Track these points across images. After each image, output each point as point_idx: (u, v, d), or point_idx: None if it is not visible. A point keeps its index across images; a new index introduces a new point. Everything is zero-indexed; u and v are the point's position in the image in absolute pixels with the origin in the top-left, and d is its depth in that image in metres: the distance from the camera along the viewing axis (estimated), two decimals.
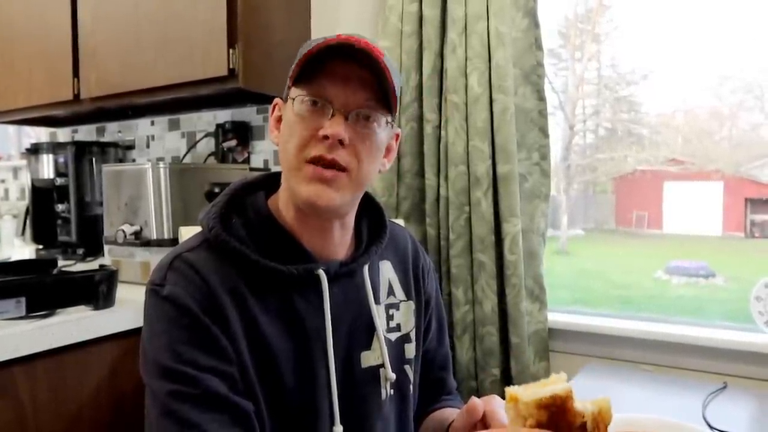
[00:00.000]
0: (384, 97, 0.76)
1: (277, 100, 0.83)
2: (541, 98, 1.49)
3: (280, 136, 0.80)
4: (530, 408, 0.51)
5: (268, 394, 0.75)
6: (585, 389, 1.21)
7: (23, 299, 1.17)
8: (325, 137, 0.72)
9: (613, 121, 2.26)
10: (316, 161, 0.73)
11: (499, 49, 1.43)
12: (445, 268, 1.54)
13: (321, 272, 0.79)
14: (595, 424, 0.52)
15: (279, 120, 0.82)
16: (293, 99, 0.76)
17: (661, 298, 2.47)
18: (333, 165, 0.74)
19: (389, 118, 0.79)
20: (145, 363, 0.75)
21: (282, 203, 0.82)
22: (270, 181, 0.86)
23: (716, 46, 1.77)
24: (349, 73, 0.74)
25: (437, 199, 1.55)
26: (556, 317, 1.52)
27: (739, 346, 1.31)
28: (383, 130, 0.78)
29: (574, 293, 2.20)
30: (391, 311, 0.90)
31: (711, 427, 0.97)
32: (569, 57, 2.16)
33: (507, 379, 1.50)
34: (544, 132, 1.50)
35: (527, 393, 0.51)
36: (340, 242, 0.84)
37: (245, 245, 0.77)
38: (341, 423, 0.80)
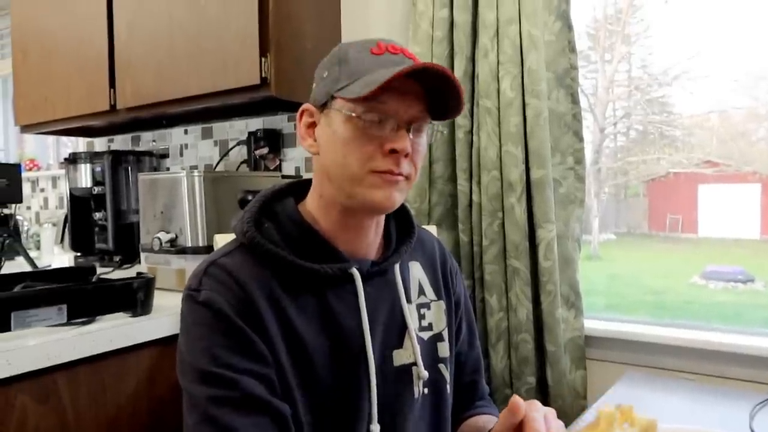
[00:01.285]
0: (431, 108, 0.80)
1: (306, 106, 0.83)
2: (575, 101, 1.47)
3: (324, 148, 0.80)
4: None
5: (306, 395, 0.76)
6: (625, 399, 1.19)
7: (65, 306, 1.19)
8: (393, 151, 0.75)
9: (645, 123, 2.22)
10: (384, 172, 0.76)
11: (531, 52, 1.42)
12: (478, 275, 1.52)
13: (354, 270, 0.82)
14: None
15: (310, 126, 0.83)
16: (349, 113, 0.76)
17: (697, 304, 2.41)
18: (399, 175, 0.77)
19: (430, 123, 0.82)
20: (183, 368, 0.76)
21: (316, 208, 0.84)
22: (298, 188, 0.89)
23: (750, 45, 1.72)
24: (405, 87, 0.76)
25: (470, 205, 1.54)
26: (592, 324, 1.49)
27: None
28: (426, 135, 0.82)
29: (606, 299, 2.16)
30: (422, 311, 0.92)
31: None
32: (599, 59, 2.13)
33: (543, 387, 1.47)
34: (578, 136, 1.47)
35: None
36: (373, 242, 0.87)
37: (279, 247, 0.79)
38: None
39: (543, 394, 1.47)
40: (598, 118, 2.15)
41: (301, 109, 0.84)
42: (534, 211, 1.44)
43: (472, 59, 1.53)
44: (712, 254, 2.64)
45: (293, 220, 0.83)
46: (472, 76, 1.54)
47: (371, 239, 0.86)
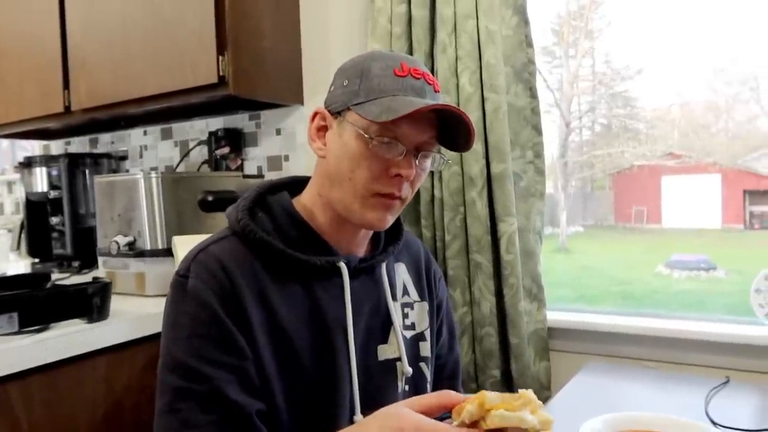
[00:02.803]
0: (440, 135, 0.82)
1: (320, 109, 0.85)
2: (534, 96, 1.48)
3: (333, 155, 0.82)
4: (493, 419, 0.56)
5: (288, 384, 0.78)
6: (587, 388, 1.20)
7: (15, 314, 1.15)
8: (398, 175, 0.79)
9: (609, 116, 2.25)
10: (385, 195, 0.80)
11: (489, 47, 1.42)
12: (442, 270, 1.52)
13: (342, 264, 0.84)
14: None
15: (320, 129, 0.85)
16: (362, 132, 0.78)
17: (662, 293, 2.46)
18: (398, 198, 0.81)
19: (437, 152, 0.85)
20: (161, 351, 0.78)
21: (313, 204, 0.87)
22: (294, 184, 0.92)
23: (710, 38, 1.76)
24: (420, 114, 0.77)
25: (432, 201, 1.54)
26: (555, 316, 1.51)
27: (741, 339, 1.30)
28: (431, 161, 0.85)
29: (575, 291, 2.19)
30: (406, 310, 0.95)
31: (714, 423, 0.96)
32: (563, 54, 2.16)
33: (508, 380, 1.48)
34: (537, 130, 1.48)
35: (500, 411, 0.56)
36: (363, 241, 0.91)
37: (271, 236, 0.82)
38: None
39: (508, 386, 1.48)
40: (564, 112, 2.17)
41: (314, 110, 0.86)
42: (495, 205, 1.44)
43: (431, 55, 1.53)
44: (676, 244, 2.70)
45: (287, 213, 0.85)
46: (431, 72, 1.53)
47: (361, 240, 0.90)
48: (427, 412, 0.63)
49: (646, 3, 1.79)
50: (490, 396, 0.58)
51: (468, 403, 0.59)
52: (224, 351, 0.74)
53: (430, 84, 0.82)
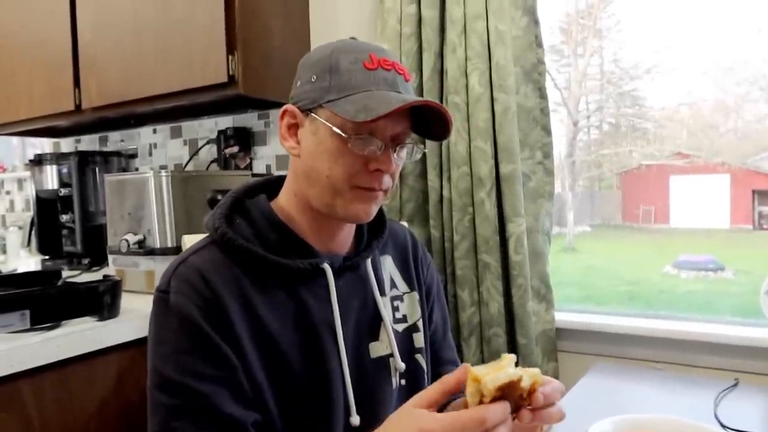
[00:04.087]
0: (414, 124, 0.81)
1: (289, 107, 0.82)
2: (543, 96, 1.48)
3: (307, 154, 0.80)
4: (489, 388, 0.59)
5: (279, 391, 0.77)
6: (595, 389, 1.20)
7: (27, 312, 1.16)
8: (377, 170, 0.78)
9: (617, 116, 2.24)
10: (366, 189, 0.79)
11: (499, 48, 1.42)
12: (450, 270, 1.53)
13: (326, 265, 0.82)
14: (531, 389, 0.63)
15: (291, 127, 0.82)
16: (337, 131, 0.76)
17: (669, 293, 2.45)
18: (380, 190, 0.80)
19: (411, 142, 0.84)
20: (149, 369, 0.77)
21: (290, 206, 0.84)
22: (269, 186, 0.89)
23: (720, 37, 1.75)
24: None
25: (440, 201, 1.54)
26: (563, 317, 1.51)
27: (750, 342, 1.29)
28: (407, 150, 0.84)
29: (582, 290, 2.18)
30: (396, 303, 0.93)
31: (723, 426, 0.96)
32: (571, 53, 2.15)
33: None
34: (546, 130, 1.48)
35: (489, 376, 0.60)
36: (346, 239, 0.88)
37: (251, 243, 0.79)
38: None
39: None
40: (572, 111, 2.16)
41: (282, 108, 0.83)
42: (504, 205, 1.44)
43: (441, 55, 1.53)
44: (684, 244, 2.69)
45: (266, 216, 0.83)
46: (441, 72, 1.54)
47: (344, 238, 0.88)
48: (437, 405, 0.64)
49: (654, 2, 1.78)
50: (476, 369, 0.61)
51: (466, 391, 0.62)
52: (212, 365, 0.73)
53: (400, 73, 0.80)
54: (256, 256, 0.78)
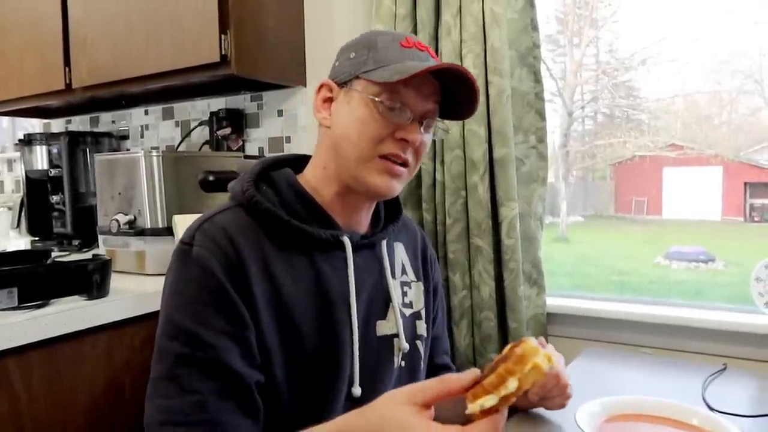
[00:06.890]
0: (442, 106, 0.86)
1: (326, 80, 0.87)
2: (538, 80, 1.47)
3: (339, 123, 0.84)
4: (484, 405, 0.59)
5: (289, 355, 0.79)
6: (585, 373, 1.21)
7: (15, 290, 1.15)
8: (403, 140, 0.81)
9: (612, 106, 2.24)
10: (390, 157, 0.82)
11: (494, 30, 1.41)
12: (442, 253, 1.53)
13: (346, 239, 0.86)
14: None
15: (326, 101, 0.87)
16: (371, 97, 0.81)
17: (661, 284, 2.46)
18: (403, 163, 0.83)
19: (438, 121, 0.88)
20: (161, 320, 0.78)
21: (318, 179, 0.88)
22: (296, 161, 0.93)
23: (715, 29, 1.75)
24: (426, 83, 0.82)
25: (433, 184, 1.53)
26: (554, 301, 1.51)
27: (739, 327, 1.30)
28: (432, 133, 0.89)
29: (573, 280, 2.19)
30: (404, 288, 0.96)
31: (711, 409, 0.96)
32: (567, 43, 2.14)
33: None
34: (540, 115, 1.48)
35: (489, 400, 0.59)
36: (365, 219, 0.92)
37: (276, 208, 0.82)
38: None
39: None
40: (567, 101, 2.16)
41: (320, 83, 0.88)
42: (497, 189, 1.44)
43: (436, 37, 1.52)
44: (676, 235, 2.70)
45: (291, 187, 0.86)
46: (436, 54, 1.52)
47: (363, 216, 0.92)
48: (436, 403, 0.62)
49: None
50: (480, 388, 0.60)
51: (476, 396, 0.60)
52: (228, 320, 0.74)
53: (433, 58, 0.85)
54: (281, 221, 0.81)
